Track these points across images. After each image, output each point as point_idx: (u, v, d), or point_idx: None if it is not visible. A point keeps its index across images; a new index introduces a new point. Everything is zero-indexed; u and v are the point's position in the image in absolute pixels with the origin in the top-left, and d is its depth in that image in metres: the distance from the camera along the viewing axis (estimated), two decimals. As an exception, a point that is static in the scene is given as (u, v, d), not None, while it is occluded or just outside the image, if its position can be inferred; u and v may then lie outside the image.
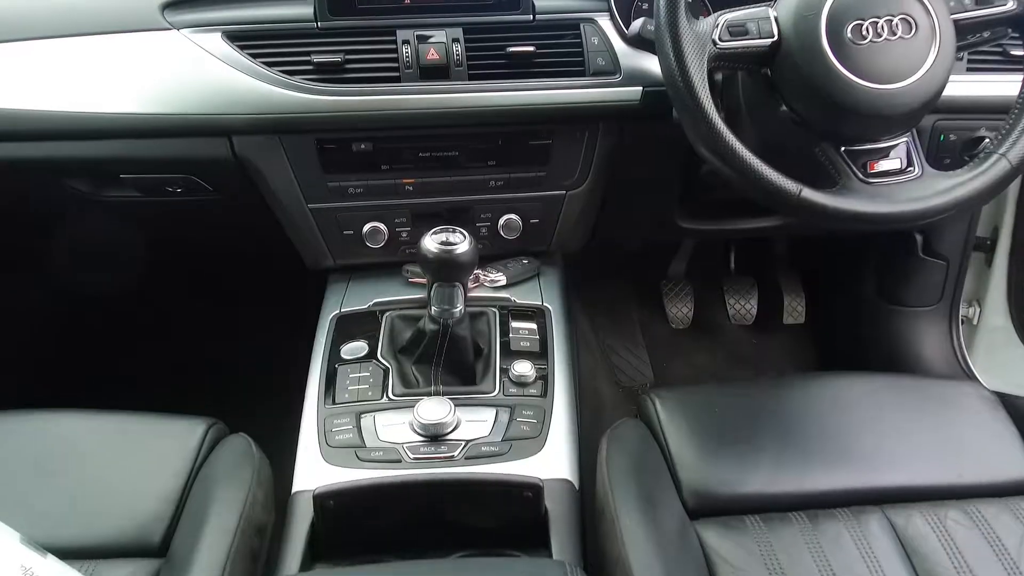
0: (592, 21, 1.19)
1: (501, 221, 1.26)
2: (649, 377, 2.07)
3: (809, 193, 0.94)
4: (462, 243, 0.96)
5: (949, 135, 1.28)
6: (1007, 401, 1.14)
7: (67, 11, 1.15)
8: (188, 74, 1.11)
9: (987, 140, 1.22)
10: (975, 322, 1.75)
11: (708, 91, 0.95)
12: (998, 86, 1.22)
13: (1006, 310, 1.67)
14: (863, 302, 1.84)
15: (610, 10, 1.22)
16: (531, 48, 1.14)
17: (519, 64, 1.15)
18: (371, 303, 1.21)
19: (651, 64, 1.15)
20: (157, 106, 1.11)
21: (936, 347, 1.76)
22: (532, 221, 1.27)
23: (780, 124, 1.05)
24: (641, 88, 1.17)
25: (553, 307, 1.22)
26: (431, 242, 0.97)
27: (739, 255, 2.10)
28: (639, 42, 1.11)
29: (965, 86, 1.21)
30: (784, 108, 1.03)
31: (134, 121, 1.11)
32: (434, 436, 0.95)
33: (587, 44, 1.17)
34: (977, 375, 1.67)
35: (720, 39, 0.97)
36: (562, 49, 1.16)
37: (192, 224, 1.41)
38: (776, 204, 0.96)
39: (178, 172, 1.20)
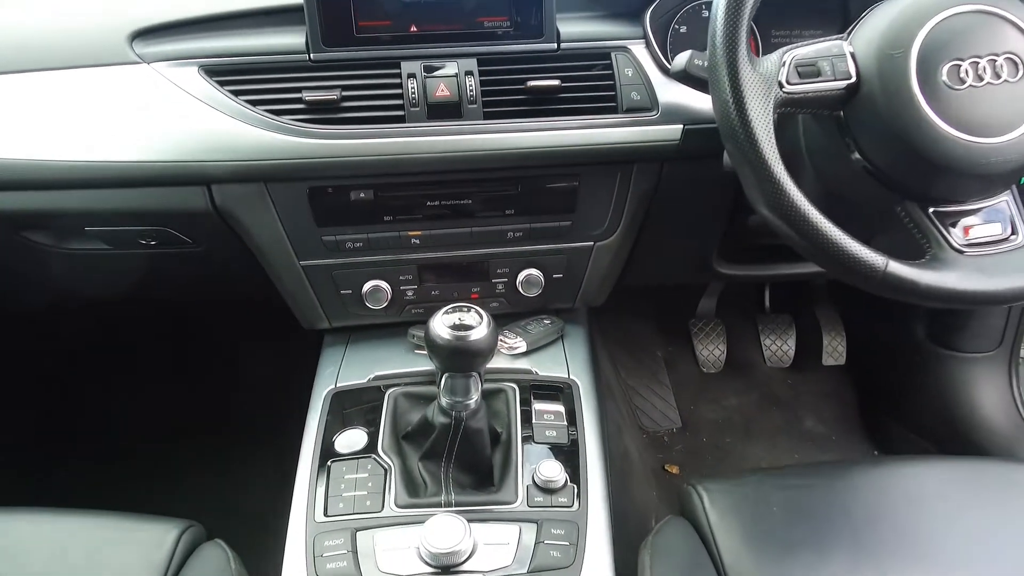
0: (625, 50, 1.06)
1: (520, 277, 1.13)
2: (675, 421, 1.93)
3: (897, 267, 0.78)
4: (479, 326, 0.80)
5: None
6: None
7: (20, 42, 1.00)
8: (160, 115, 0.97)
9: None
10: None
11: (774, 144, 0.79)
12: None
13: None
14: (911, 345, 1.68)
15: (646, 38, 1.07)
16: (555, 82, 1.01)
17: (542, 100, 1.02)
18: (371, 376, 1.06)
19: (693, 97, 1.03)
20: (124, 152, 0.96)
21: (994, 398, 1.60)
22: (555, 276, 1.14)
23: (850, 174, 0.90)
24: (682, 126, 1.04)
25: (581, 381, 1.06)
26: (441, 325, 0.81)
27: (774, 290, 1.94)
28: (685, 79, 0.95)
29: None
30: (857, 156, 0.87)
31: (96, 170, 0.97)
32: (446, 568, 0.79)
33: (619, 77, 1.04)
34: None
35: (788, 81, 0.81)
36: (591, 83, 1.03)
37: (171, 276, 1.25)
38: (855, 279, 0.80)
39: (150, 224, 1.05)
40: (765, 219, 0.84)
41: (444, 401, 0.86)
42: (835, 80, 0.82)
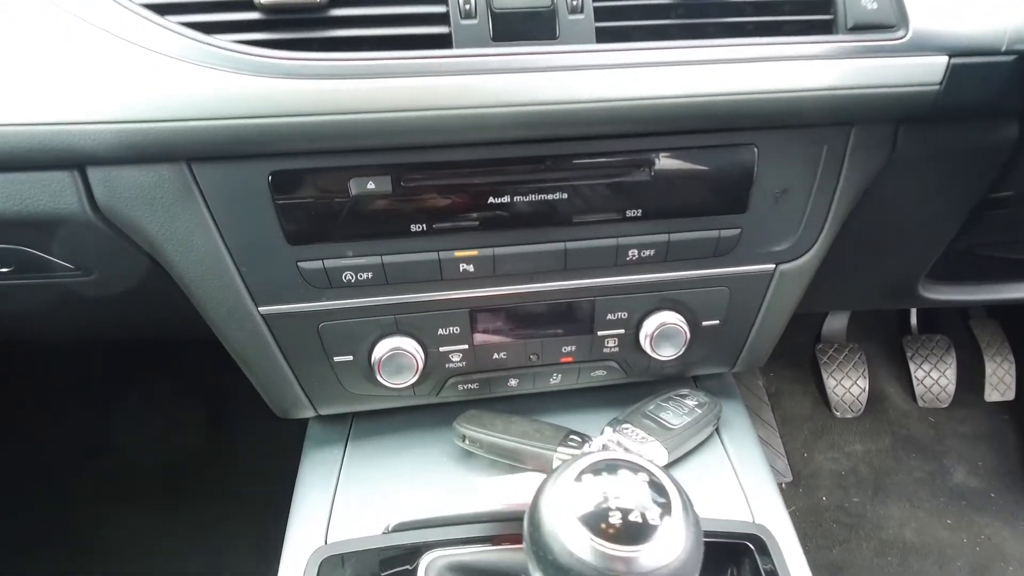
0: None
1: (648, 326, 0.73)
2: (785, 474, 1.58)
3: None
4: (665, 526, 0.33)
5: None
6: None
7: None
8: None
9: None
10: None
11: None
12: None
13: None
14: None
15: None
16: None
17: (699, 9, 0.63)
18: (391, 526, 0.60)
19: (965, 8, 0.65)
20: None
21: None
22: (707, 324, 0.74)
23: None
24: (947, 58, 0.64)
25: (777, 525, 0.59)
26: (580, 530, 0.35)
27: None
28: None
29: None
30: None
31: None
32: None
33: None
34: None
35: None
36: None
37: (57, 316, 0.79)
38: None
39: (-16, 241, 0.59)
40: None
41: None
42: None
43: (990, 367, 1.49)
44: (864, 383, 1.44)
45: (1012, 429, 1.54)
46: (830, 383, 1.43)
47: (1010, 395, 1.51)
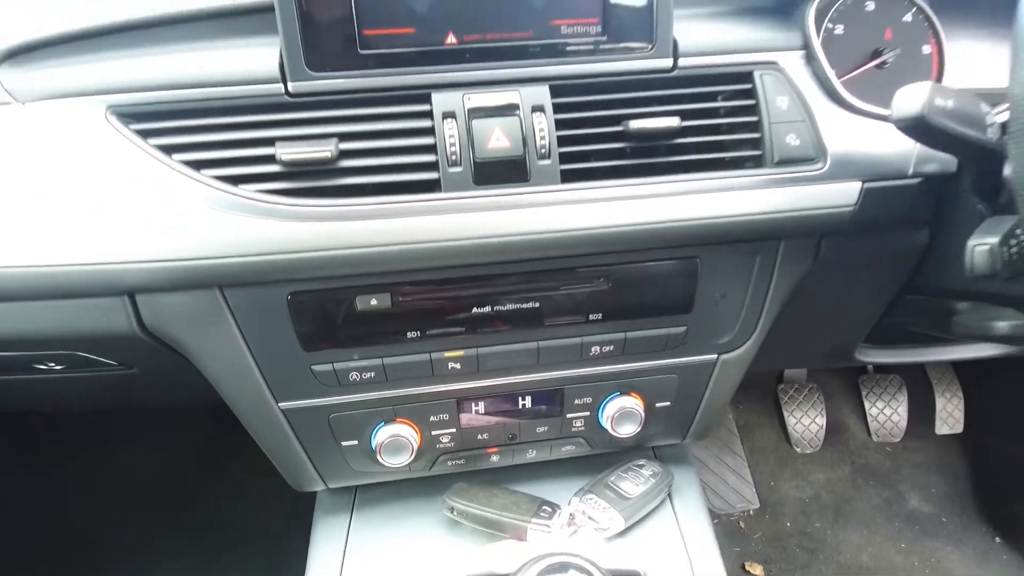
0: (774, 67, 0.73)
1: (610, 409, 0.81)
2: (752, 501, 1.64)
3: None
4: None
5: None
6: None
7: None
8: (45, 188, 0.62)
9: None
10: None
11: None
12: None
13: None
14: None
15: (807, 47, 0.74)
16: (673, 121, 0.69)
17: (650, 150, 0.70)
18: None
19: (877, 139, 0.73)
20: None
21: None
22: (660, 405, 0.83)
23: None
24: (860, 184, 0.72)
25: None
26: None
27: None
28: (920, 131, 0.57)
29: None
30: None
31: None
32: None
33: (768, 110, 0.71)
34: None
35: None
36: (724, 121, 0.72)
37: (98, 397, 0.89)
38: None
39: (47, 350, 0.68)
40: None
41: None
42: None
43: (940, 402, 1.58)
44: (822, 420, 1.53)
45: (961, 459, 1.62)
46: (790, 420, 1.52)
47: (959, 428, 1.59)
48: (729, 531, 1.58)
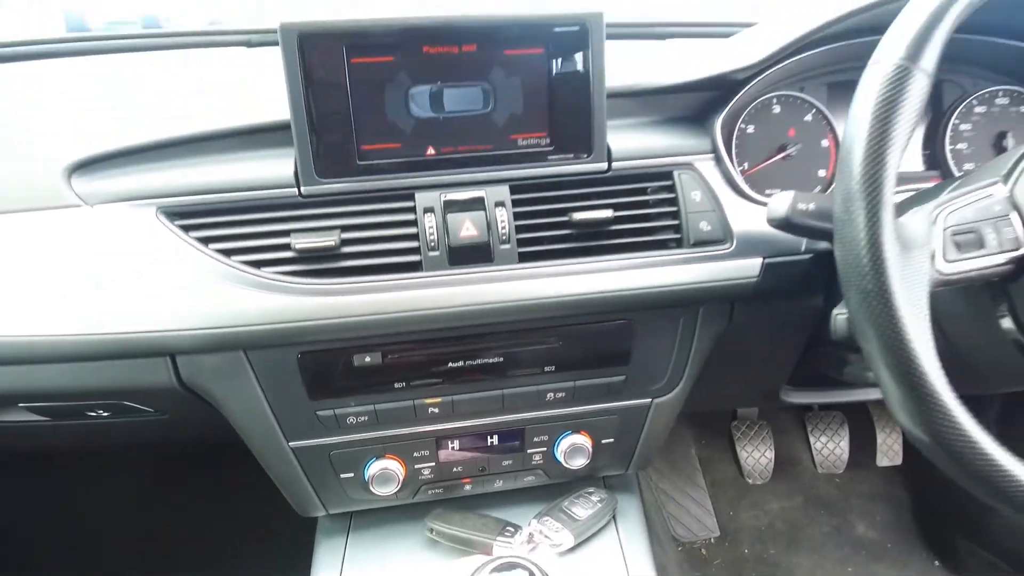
0: (690, 167, 0.88)
1: (563, 445, 0.95)
2: (713, 529, 1.75)
3: None
4: None
5: None
6: None
7: None
8: (106, 273, 0.76)
9: None
10: None
11: (932, 347, 0.59)
12: None
13: None
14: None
15: (715, 151, 0.88)
16: (607, 212, 0.83)
17: (590, 235, 0.84)
18: None
19: None
20: (58, 323, 0.75)
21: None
22: (605, 441, 0.97)
23: (990, 342, 0.70)
24: (761, 260, 0.86)
25: None
26: None
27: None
28: (786, 227, 0.74)
29: None
30: (1010, 327, 0.67)
31: (22, 346, 0.75)
32: None
33: (685, 202, 0.86)
34: None
35: (945, 259, 0.61)
36: (650, 210, 0.86)
37: (131, 439, 1.03)
38: (1013, 507, 0.61)
39: (98, 399, 0.83)
40: (906, 433, 0.64)
41: None
42: (1000, 252, 0.62)
43: (881, 436, 1.71)
44: (771, 454, 1.67)
45: (903, 489, 1.76)
46: (743, 454, 1.66)
47: (898, 460, 1.73)
48: (692, 558, 1.70)
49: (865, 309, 0.60)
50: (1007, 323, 0.68)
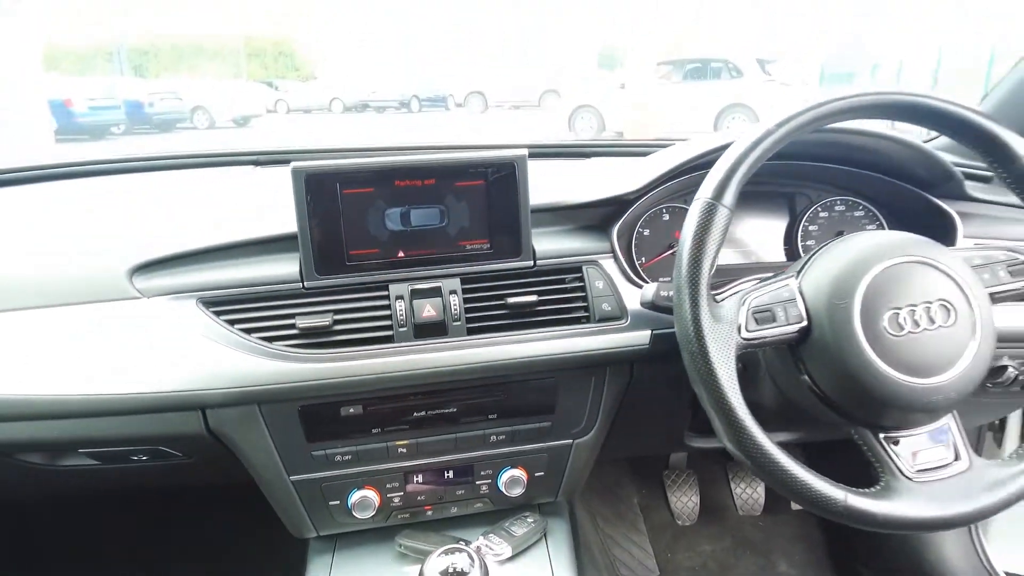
0: (595, 263, 1.14)
1: (503, 477, 1.16)
2: (653, 570, 1.94)
3: (855, 500, 0.86)
4: (471, 572, 0.84)
5: None
6: None
7: (19, 280, 1.04)
8: (158, 348, 1.01)
9: (1010, 368, 1.18)
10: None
11: (737, 389, 0.87)
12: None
13: None
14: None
15: (613, 252, 1.16)
16: (533, 297, 1.09)
17: (521, 314, 1.08)
18: None
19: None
20: (122, 385, 0.99)
21: (958, 552, 1.66)
22: (537, 474, 1.18)
23: (804, 394, 0.97)
24: (650, 331, 1.11)
25: None
26: (434, 573, 0.84)
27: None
28: (653, 308, 1.04)
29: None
30: (808, 381, 0.95)
31: (94, 403, 0.99)
32: None
33: (591, 289, 1.12)
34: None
35: (747, 329, 0.90)
36: (565, 295, 1.11)
37: (157, 480, 1.26)
38: (818, 511, 0.87)
39: (142, 445, 1.07)
40: (731, 453, 0.91)
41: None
42: (788, 324, 0.91)
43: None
44: (696, 499, 1.91)
45: (818, 530, 1.99)
46: (672, 499, 1.90)
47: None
48: (635, 595, 1.92)
49: (692, 364, 0.89)
50: (804, 376, 0.96)
